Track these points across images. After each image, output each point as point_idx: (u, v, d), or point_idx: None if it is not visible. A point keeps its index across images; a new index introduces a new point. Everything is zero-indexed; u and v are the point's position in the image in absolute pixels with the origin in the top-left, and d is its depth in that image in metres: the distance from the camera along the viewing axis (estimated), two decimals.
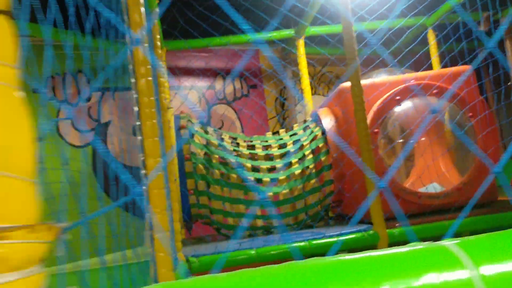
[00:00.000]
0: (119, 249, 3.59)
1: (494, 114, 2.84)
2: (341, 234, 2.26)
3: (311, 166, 2.64)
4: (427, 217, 2.41)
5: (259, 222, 2.64)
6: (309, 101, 3.49)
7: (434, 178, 2.81)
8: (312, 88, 3.82)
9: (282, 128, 4.04)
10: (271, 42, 3.89)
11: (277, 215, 2.60)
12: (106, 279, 2.83)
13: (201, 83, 4.06)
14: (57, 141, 3.48)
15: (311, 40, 3.50)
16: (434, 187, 2.77)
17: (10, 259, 0.48)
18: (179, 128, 2.60)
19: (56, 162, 3.12)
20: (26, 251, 0.50)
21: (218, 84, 4.11)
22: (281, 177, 2.61)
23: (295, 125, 3.05)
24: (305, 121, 3.04)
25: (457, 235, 0.59)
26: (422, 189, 2.60)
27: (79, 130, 3.51)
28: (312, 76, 4.21)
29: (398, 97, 2.51)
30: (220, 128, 4.03)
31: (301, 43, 3.59)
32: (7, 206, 0.51)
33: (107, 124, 3.66)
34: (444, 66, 2.78)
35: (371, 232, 2.25)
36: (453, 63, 2.78)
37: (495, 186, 2.64)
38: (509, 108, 2.98)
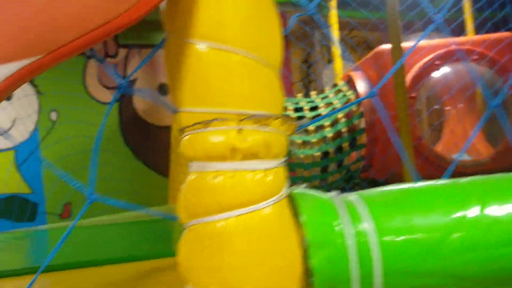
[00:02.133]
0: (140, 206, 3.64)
1: None
2: None
3: (343, 130, 2.61)
4: None
5: None
6: (339, 65, 3.43)
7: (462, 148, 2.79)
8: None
9: (308, 91, 4.00)
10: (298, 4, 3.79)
11: (307, 177, 2.60)
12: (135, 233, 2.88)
13: None
14: (84, 96, 3.47)
15: (344, 3, 3.40)
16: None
17: (273, 147, 0.49)
18: None
19: (85, 116, 3.12)
20: (280, 141, 0.51)
21: None
22: (313, 140, 2.60)
23: (326, 88, 3.01)
24: (335, 85, 2.99)
25: None
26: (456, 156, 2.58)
27: (106, 87, 3.50)
28: (339, 40, 4.12)
29: (437, 62, 2.46)
30: None
31: (333, 4, 3.49)
32: (271, 94, 0.51)
33: (133, 82, 3.64)
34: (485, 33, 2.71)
35: None
36: (495, 30, 2.71)
37: None
38: None
